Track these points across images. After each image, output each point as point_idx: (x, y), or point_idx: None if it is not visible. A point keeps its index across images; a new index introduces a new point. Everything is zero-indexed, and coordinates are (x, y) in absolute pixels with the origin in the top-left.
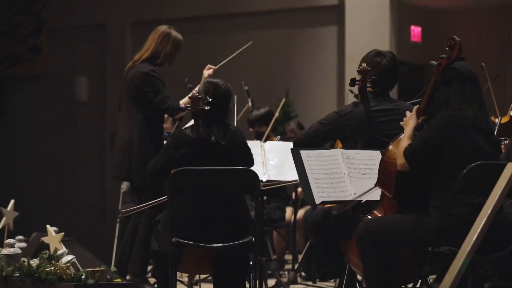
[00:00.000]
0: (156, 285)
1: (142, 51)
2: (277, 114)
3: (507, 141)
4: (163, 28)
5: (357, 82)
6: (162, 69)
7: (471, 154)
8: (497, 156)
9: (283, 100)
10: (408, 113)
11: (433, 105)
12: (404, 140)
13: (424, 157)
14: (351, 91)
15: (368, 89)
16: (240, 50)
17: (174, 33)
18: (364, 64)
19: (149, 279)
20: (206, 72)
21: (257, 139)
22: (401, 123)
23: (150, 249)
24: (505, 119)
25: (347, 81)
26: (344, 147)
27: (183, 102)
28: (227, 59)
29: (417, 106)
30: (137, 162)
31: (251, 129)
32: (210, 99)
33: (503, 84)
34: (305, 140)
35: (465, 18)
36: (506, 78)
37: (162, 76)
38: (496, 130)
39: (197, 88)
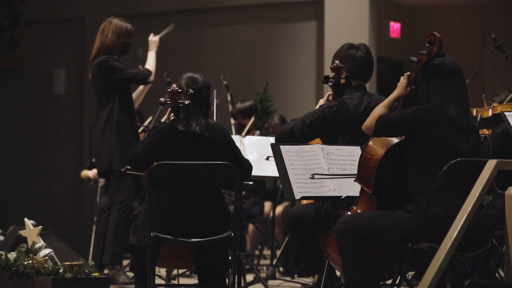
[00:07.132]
0: (134, 279)
1: (92, 51)
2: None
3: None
4: (104, 21)
5: (330, 79)
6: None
7: (447, 151)
8: (476, 154)
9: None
10: (402, 78)
11: (417, 99)
12: (382, 106)
13: (391, 134)
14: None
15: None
16: (164, 31)
17: (115, 21)
18: (337, 61)
19: (127, 273)
20: (153, 39)
21: (239, 131)
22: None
23: (128, 243)
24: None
25: None
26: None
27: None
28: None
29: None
30: (110, 147)
31: (233, 121)
32: (191, 91)
33: (482, 83)
34: (287, 137)
35: (444, 14)
36: (486, 75)
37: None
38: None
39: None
